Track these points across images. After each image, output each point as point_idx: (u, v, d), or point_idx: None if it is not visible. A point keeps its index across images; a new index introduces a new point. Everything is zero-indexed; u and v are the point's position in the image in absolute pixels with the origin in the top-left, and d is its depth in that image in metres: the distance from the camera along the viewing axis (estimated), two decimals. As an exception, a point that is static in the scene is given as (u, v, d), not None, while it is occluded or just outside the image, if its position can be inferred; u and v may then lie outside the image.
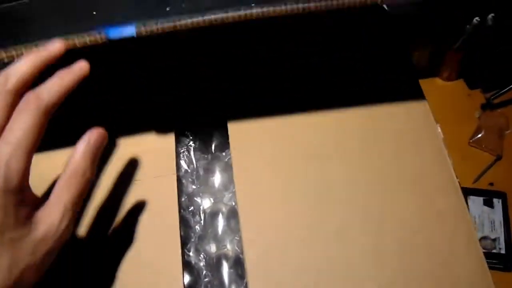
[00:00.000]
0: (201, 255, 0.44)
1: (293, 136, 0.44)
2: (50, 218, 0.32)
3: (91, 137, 0.34)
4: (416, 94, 0.48)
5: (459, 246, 0.39)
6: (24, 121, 0.31)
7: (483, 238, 0.65)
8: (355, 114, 0.46)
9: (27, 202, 0.32)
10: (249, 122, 0.46)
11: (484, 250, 0.64)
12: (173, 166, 0.44)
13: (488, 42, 0.68)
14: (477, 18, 0.68)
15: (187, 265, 0.43)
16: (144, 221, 0.41)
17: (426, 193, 0.42)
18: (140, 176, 0.43)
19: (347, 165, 0.43)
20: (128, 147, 0.44)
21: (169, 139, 0.45)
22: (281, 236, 0.40)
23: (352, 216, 0.40)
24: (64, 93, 0.33)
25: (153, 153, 0.44)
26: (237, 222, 0.45)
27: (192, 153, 0.49)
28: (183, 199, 0.46)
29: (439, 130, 0.46)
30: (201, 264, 0.44)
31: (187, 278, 0.43)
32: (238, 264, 0.43)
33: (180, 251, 0.39)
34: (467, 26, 0.68)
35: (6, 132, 0.31)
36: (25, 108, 0.31)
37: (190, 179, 0.47)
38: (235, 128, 0.45)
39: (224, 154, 0.48)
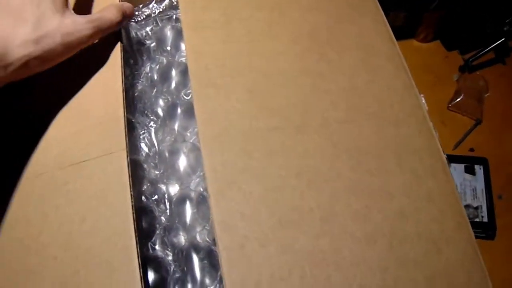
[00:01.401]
0: (169, 248, 0.39)
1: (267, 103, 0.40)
2: (80, 20, 0.36)
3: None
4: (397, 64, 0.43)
5: (450, 231, 0.36)
6: None
7: (466, 206, 0.63)
8: (335, 83, 0.41)
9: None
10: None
11: (466, 220, 0.62)
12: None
13: (467, 1, 0.64)
14: (455, -26, 0.64)
15: (152, 261, 0.39)
16: (92, 210, 0.35)
17: (413, 175, 0.38)
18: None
19: (328, 140, 0.38)
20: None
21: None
22: (260, 221, 0.35)
23: (337, 196, 0.36)
24: None
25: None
26: (207, 209, 0.40)
27: (153, 134, 0.43)
28: (145, 187, 0.41)
29: (424, 101, 0.42)
30: (169, 258, 0.39)
31: (152, 275, 0.38)
32: (210, 255, 0.39)
33: (134, 243, 0.33)
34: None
35: None
36: None
37: (152, 164, 0.42)
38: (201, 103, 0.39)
39: (189, 133, 0.43)
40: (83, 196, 0.36)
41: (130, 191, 0.35)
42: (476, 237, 0.59)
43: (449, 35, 0.71)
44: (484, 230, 0.62)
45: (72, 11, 0.37)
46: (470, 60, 0.68)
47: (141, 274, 0.33)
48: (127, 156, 0.36)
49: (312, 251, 0.34)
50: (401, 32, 0.63)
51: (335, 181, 0.37)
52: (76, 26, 0.36)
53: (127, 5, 0.41)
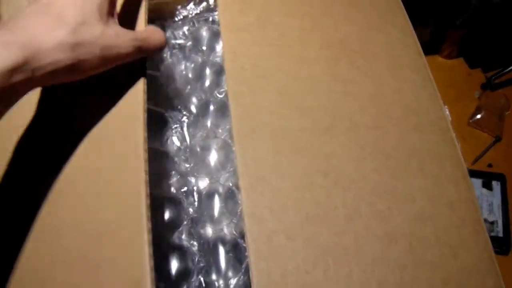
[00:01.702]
0: (195, 239, 0.41)
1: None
2: (124, 35, 0.34)
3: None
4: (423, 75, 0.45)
5: (467, 237, 0.37)
6: None
7: (482, 221, 0.64)
8: (364, 89, 0.43)
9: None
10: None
11: (482, 234, 0.63)
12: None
13: (491, 19, 0.66)
14: (481, -6, 0.65)
15: (178, 250, 0.40)
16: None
17: (436, 181, 0.39)
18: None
19: (355, 142, 0.40)
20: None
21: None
22: (287, 216, 0.37)
23: (362, 198, 0.38)
24: None
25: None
26: (235, 203, 0.42)
27: (185, 129, 0.45)
28: (175, 179, 0.43)
29: (447, 112, 0.43)
30: (195, 248, 0.41)
31: (177, 264, 0.40)
32: (236, 248, 0.40)
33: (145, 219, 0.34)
34: (472, 2, 0.66)
35: None
36: None
37: (183, 157, 0.44)
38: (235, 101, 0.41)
39: (220, 130, 0.45)
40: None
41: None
42: (491, 252, 0.60)
43: (472, 52, 0.73)
44: (499, 245, 0.63)
45: (117, 21, 0.35)
46: (493, 78, 0.69)
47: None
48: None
49: (336, 247, 0.36)
50: (426, 48, 0.64)
51: (360, 182, 0.38)
52: (119, 40, 0.33)
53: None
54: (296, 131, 0.40)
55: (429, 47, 0.71)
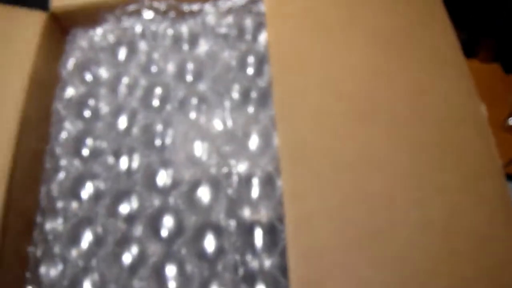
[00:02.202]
0: (232, 219, 0.42)
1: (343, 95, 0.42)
2: None
3: None
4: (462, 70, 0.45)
5: (499, 231, 0.37)
6: None
7: (513, 225, 0.64)
8: (402, 81, 0.43)
9: None
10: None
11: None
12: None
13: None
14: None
15: (215, 229, 0.42)
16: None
17: (470, 175, 0.39)
18: None
19: (391, 129, 0.41)
20: None
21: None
22: (326, 198, 0.38)
23: (398, 183, 0.38)
24: None
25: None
26: (274, 188, 0.43)
27: (227, 113, 0.46)
28: (215, 161, 0.44)
29: (484, 108, 0.44)
30: (231, 228, 0.42)
31: (213, 242, 0.41)
32: (272, 231, 0.41)
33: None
34: (510, 5, 0.66)
35: None
36: None
37: (224, 139, 0.45)
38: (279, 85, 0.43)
39: (262, 116, 0.46)
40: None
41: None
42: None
43: (508, 57, 0.73)
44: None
45: None
46: (529, 83, 0.69)
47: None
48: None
49: (372, 230, 0.37)
50: (462, 51, 0.65)
51: (397, 169, 0.39)
52: None
53: None
54: (337, 116, 0.41)
55: (465, 51, 0.71)
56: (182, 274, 0.40)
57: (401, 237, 0.37)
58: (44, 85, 0.50)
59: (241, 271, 0.40)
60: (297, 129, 0.40)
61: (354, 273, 0.35)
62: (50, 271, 0.42)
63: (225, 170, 0.44)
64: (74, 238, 0.43)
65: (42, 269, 0.43)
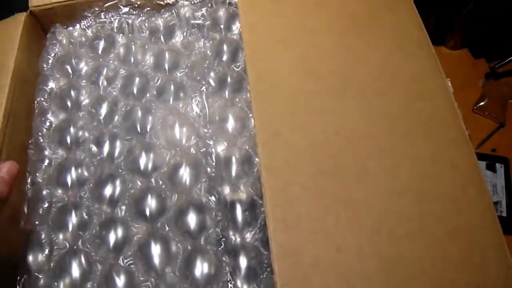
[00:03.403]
0: (213, 196, 0.43)
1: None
2: None
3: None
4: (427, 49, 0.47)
5: (471, 195, 0.39)
6: None
7: (486, 200, 0.66)
8: (372, 59, 0.46)
9: None
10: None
11: (486, 213, 0.65)
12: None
13: (495, 10, 0.69)
14: (485, -16, 0.68)
15: (197, 205, 0.43)
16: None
17: (440, 143, 0.41)
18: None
19: (364, 105, 0.43)
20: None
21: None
22: (302, 168, 0.39)
23: (371, 154, 0.40)
24: None
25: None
26: (251, 165, 0.44)
27: (204, 97, 0.48)
28: (194, 141, 0.46)
29: (449, 84, 0.46)
30: (212, 204, 0.43)
31: (195, 218, 0.43)
32: (252, 205, 0.43)
33: None
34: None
35: None
36: None
37: (202, 123, 0.47)
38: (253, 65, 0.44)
39: (237, 99, 0.48)
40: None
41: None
42: (495, 231, 0.62)
43: (476, 43, 0.75)
44: (503, 224, 0.64)
45: None
46: (496, 67, 0.72)
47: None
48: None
49: (347, 198, 0.38)
50: (432, 38, 0.67)
51: (369, 140, 0.41)
52: None
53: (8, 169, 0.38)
54: (310, 93, 0.43)
55: (434, 38, 0.73)
56: (166, 251, 0.41)
57: (375, 204, 0.38)
58: (27, 81, 0.52)
59: (223, 245, 0.42)
60: (271, 106, 0.42)
61: (331, 239, 0.37)
62: (38, 256, 0.43)
63: (204, 150, 0.45)
64: (60, 223, 0.44)
65: (30, 255, 0.44)
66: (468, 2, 0.70)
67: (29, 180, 0.48)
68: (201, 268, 0.40)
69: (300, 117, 0.42)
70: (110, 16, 0.56)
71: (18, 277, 0.43)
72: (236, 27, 0.54)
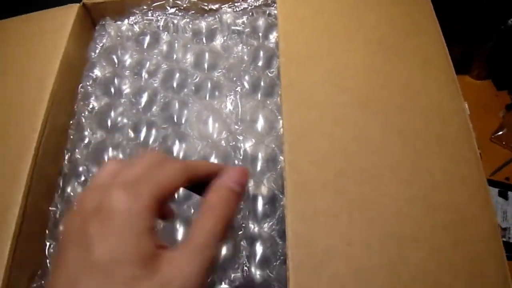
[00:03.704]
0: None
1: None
2: (177, 260, 0.27)
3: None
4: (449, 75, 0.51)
5: (476, 209, 0.42)
6: None
7: (495, 226, 0.68)
8: (395, 80, 0.49)
9: (156, 236, 0.27)
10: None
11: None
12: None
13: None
14: (511, 19, 0.71)
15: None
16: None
17: (451, 160, 0.44)
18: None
19: (385, 119, 0.46)
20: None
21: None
22: (323, 168, 0.43)
23: (387, 163, 0.43)
24: None
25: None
26: (276, 162, 0.48)
27: (238, 97, 0.52)
28: (225, 135, 0.49)
29: (466, 106, 0.49)
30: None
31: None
32: (273, 199, 0.46)
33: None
34: (502, 26, 0.72)
35: None
36: None
37: (234, 119, 0.51)
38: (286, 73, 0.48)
39: (268, 102, 0.52)
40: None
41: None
42: (501, 256, 0.65)
43: (500, 75, 0.78)
44: (509, 250, 0.66)
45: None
46: (517, 99, 0.75)
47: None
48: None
49: (361, 200, 0.41)
50: (457, 67, 0.71)
51: (386, 151, 0.44)
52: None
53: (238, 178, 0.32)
54: (336, 103, 0.47)
55: (460, 67, 0.76)
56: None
57: (386, 208, 0.41)
58: (73, 67, 0.56)
59: (242, 231, 0.45)
60: (300, 111, 0.46)
61: (343, 234, 0.40)
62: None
63: (233, 145, 0.49)
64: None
65: (61, 227, 0.48)
66: (493, 35, 0.73)
67: (67, 157, 0.52)
68: (221, 249, 0.43)
69: (326, 123, 0.45)
70: (156, 15, 0.60)
71: (48, 244, 0.47)
72: (273, 36, 0.57)
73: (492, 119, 0.77)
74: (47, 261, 0.47)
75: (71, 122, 0.54)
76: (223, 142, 0.49)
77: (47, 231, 0.49)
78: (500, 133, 0.75)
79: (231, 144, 0.49)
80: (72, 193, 0.49)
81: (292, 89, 0.47)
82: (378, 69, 0.50)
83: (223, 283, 0.43)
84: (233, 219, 0.29)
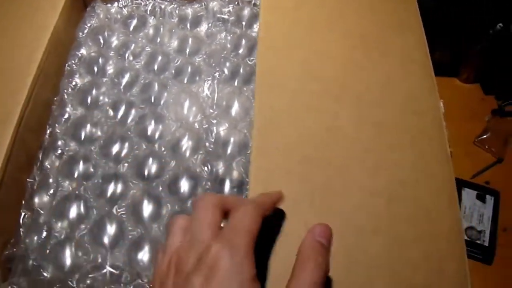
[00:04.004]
0: (206, 167, 0.48)
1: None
2: None
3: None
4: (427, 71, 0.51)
5: (442, 205, 0.42)
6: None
7: (470, 228, 0.69)
8: (373, 75, 0.49)
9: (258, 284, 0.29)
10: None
11: (468, 239, 0.68)
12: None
13: (508, 49, 0.72)
14: (500, 24, 0.72)
15: (191, 173, 0.48)
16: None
17: (421, 155, 0.45)
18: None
19: (358, 111, 0.46)
20: None
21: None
22: (289, 155, 0.43)
23: (355, 154, 0.44)
24: None
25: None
26: (246, 148, 0.49)
27: (215, 82, 0.53)
28: (199, 118, 0.51)
29: (442, 104, 0.49)
30: (204, 174, 0.48)
31: (187, 184, 0.47)
32: (240, 185, 0.47)
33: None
34: (490, 31, 0.72)
35: None
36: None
37: (209, 103, 0.52)
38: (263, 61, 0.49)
39: (245, 89, 0.53)
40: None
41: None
42: (474, 258, 0.65)
43: (488, 79, 0.79)
44: (483, 253, 0.67)
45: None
46: (503, 104, 0.75)
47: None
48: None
49: (324, 188, 0.42)
50: (446, 69, 0.72)
51: (355, 142, 0.45)
52: None
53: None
54: (310, 92, 0.47)
55: (449, 70, 0.77)
56: (156, 208, 0.46)
57: (349, 198, 0.42)
58: (62, 44, 0.57)
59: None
60: (273, 98, 0.47)
61: (301, 219, 0.40)
62: (43, 196, 0.48)
63: (206, 127, 0.50)
64: (68, 170, 0.49)
65: (36, 198, 0.49)
66: (482, 39, 0.73)
67: (48, 131, 0.53)
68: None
69: (297, 112, 0.46)
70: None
71: (23, 214, 0.49)
72: (256, 25, 0.59)
73: (477, 123, 0.77)
74: (21, 230, 0.48)
75: (55, 98, 0.55)
76: (196, 124, 0.50)
77: (23, 202, 0.50)
78: (484, 137, 0.75)
79: (204, 127, 0.50)
80: (49, 166, 0.50)
81: (266, 76, 0.48)
82: (356, 62, 0.51)
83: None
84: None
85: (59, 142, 0.51)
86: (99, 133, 0.52)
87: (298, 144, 0.44)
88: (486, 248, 0.68)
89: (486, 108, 0.79)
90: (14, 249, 0.47)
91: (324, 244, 0.32)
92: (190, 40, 0.58)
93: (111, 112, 0.53)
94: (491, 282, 0.67)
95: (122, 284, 0.43)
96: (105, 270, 0.44)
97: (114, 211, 0.46)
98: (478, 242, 0.68)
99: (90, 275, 0.43)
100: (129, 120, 0.52)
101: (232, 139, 0.50)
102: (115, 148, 0.50)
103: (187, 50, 0.57)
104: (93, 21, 0.60)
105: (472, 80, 0.80)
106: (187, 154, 0.49)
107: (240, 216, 0.31)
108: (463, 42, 0.75)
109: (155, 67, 0.56)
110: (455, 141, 0.74)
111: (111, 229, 0.46)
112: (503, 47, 0.72)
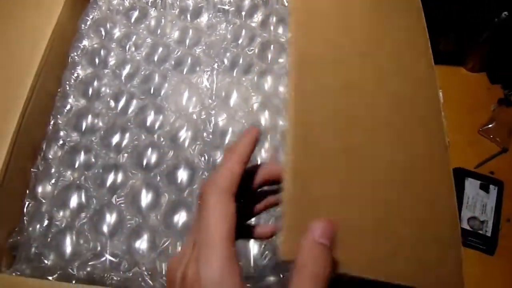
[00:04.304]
0: (203, 157, 0.49)
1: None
2: None
3: None
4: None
5: (439, 195, 0.42)
6: None
7: (472, 218, 0.69)
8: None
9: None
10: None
11: (470, 229, 0.68)
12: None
13: (513, 39, 0.71)
14: (505, 12, 0.71)
15: (189, 163, 0.48)
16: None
17: (428, 129, 0.44)
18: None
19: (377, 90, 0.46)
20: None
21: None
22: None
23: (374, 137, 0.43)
24: None
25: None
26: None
27: (215, 73, 0.54)
28: (198, 109, 0.51)
29: (441, 95, 0.49)
30: (202, 164, 0.48)
31: (185, 173, 0.48)
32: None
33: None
34: (495, 19, 0.71)
35: None
36: None
37: (208, 94, 0.52)
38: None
39: (244, 79, 0.53)
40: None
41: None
42: (477, 248, 0.65)
43: (494, 68, 0.78)
44: (485, 243, 0.67)
45: None
46: (510, 94, 0.75)
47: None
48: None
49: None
50: (452, 58, 0.71)
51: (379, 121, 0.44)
52: None
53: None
54: (339, 88, 0.47)
55: (455, 58, 0.77)
56: (154, 198, 0.47)
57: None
58: (65, 37, 0.58)
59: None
60: (308, 94, 0.45)
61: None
62: (46, 185, 0.50)
63: (204, 118, 0.51)
64: (69, 160, 0.50)
65: (40, 187, 0.50)
66: (488, 28, 0.72)
67: (52, 122, 0.54)
68: (180, 217, 0.45)
69: (327, 99, 0.45)
70: (147, -9, 0.62)
71: (27, 203, 0.50)
72: (256, 15, 0.59)
73: (483, 112, 0.77)
74: (25, 218, 0.49)
75: (58, 90, 0.56)
76: (195, 115, 0.51)
77: (27, 191, 0.51)
78: (489, 126, 0.75)
79: (202, 117, 0.51)
80: (51, 156, 0.51)
81: (301, 70, 0.47)
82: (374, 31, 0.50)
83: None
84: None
85: (61, 133, 0.52)
86: (100, 124, 0.53)
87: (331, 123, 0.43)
88: (489, 239, 0.68)
89: (492, 97, 0.78)
90: (18, 237, 0.48)
91: (326, 245, 0.30)
92: (190, 31, 0.58)
93: (112, 103, 0.54)
94: (493, 272, 0.67)
95: (121, 272, 0.44)
96: (104, 258, 0.45)
97: (114, 200, 0.47)
98: (480, 232, 0.68)
99: (90, 263, 0.44)
100: (129, 111, 0.53)
101: (230, 129, 0.50)
102: (116, 139, 0.51)
103: (187, 41, 0.58)
104: (95, 13, 0.61)
105: (478, 69, 0.79)
106: (186, 144, 0.50)
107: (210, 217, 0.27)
108: (468, 31, 0.74)
109: (156, 58, 0.57)
110: (460, 131, 0.74)
111: (110, 218, 0.46)
112: (509, 35, 0.71)
